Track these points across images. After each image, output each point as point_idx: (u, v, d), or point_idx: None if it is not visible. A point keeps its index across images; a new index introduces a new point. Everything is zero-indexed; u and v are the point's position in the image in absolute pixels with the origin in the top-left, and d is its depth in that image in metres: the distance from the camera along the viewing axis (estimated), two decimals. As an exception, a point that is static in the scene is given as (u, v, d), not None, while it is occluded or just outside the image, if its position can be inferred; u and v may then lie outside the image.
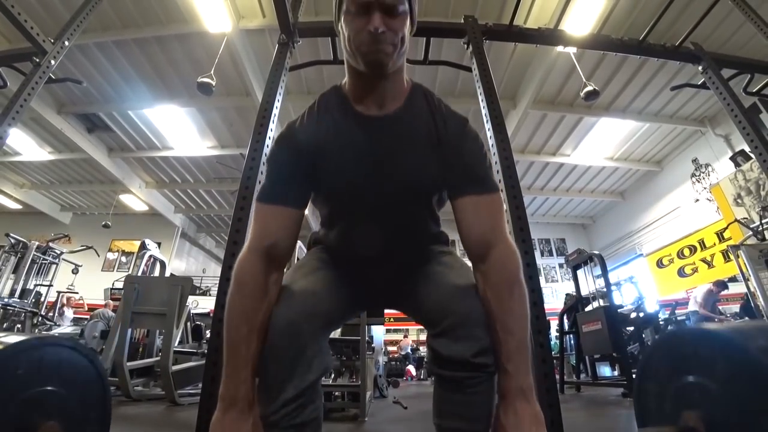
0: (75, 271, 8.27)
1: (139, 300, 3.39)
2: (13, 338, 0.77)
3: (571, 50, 6.00)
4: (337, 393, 3.29)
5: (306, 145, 0.87)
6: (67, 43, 2.45)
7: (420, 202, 0.93)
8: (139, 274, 5.79)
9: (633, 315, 5.69)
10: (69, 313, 7.48)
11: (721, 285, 6.10)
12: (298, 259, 2.80)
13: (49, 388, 0.76)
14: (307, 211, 0.96)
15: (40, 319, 6.13)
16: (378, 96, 0.88)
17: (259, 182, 1.66)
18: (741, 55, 4.41)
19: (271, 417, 0.74)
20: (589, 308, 4.89)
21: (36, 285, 6.78)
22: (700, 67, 2.85)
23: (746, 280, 5.18)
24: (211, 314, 1.47)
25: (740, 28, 5.90)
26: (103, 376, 0.90)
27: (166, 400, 3.24)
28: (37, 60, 2.30)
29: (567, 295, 5.86)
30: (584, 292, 5.23)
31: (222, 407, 0.74)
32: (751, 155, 2.49)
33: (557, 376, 4.55)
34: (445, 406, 0.82)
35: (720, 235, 8.44)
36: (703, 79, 2.87)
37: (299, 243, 1.09)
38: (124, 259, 12.91)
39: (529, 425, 0.72)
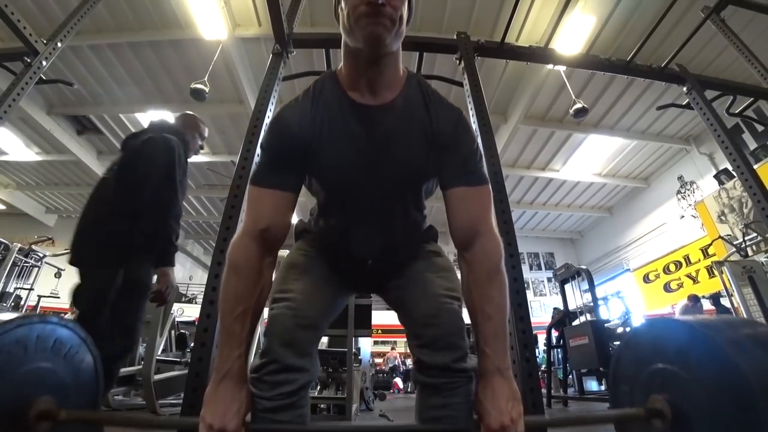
0: (58, 275, 8.07)
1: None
2: (2, 317, 0.77)
3: (561, 68, 6.14)
4: (322, 405, 3.24)
5: (299, 129, 0.87)
6: (60, 44, 2.42)
7: (410, 190, 0.95)
8: (124, 279, 5.67)
9: (620, 330, 5.72)
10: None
11: (694, 299, 6.37)
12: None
13: (42, 364, 0.77)
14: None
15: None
16: (373, 82, 0.87)
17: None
18: (724, 77, 4.56)
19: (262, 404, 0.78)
20: (576, 323, 4.91)
21: (16, 288, 6.61)
22: (684, 88, 2.92)
23: (730, 295, 5.28)
24: (196, 323, 1.44)
25: (723, 51, 6.10)
26: (93, 352, 0.91)
27: (147, 410, 3.16)
28: (29, 60, 2.27)
29: (555, 309, 5.90)
30: (572, 306, 5.26)
31: (216, 379, 0.77)
32: (734, 174, 2.57)
33: (544, 390, 4.55)
34: (425, 412, 0.85)
35: (705, 252, 8.59)
36: (687, 100, 2.95)
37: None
38: (109, 264, 12.64)
39: (506, 400, 0.76)
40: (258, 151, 1.80)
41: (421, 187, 0.96)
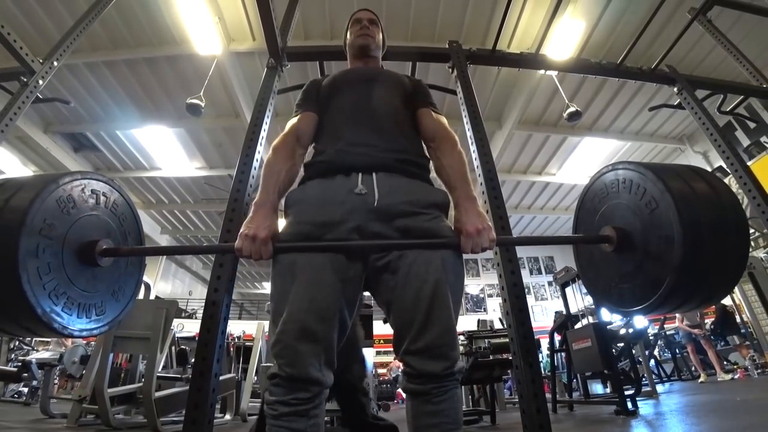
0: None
1: (122, 323, 3.27)
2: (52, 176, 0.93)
3: (553, 73, 6.21)
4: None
5: (317, 84, 1.36)
6: (56, 63, 2.44)
7: (399, 113, 1.25)
8: (123, 296, 5.64)
9: (622, 331, 5.70)
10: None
11: None
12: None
13: (97, 213, 0.99)
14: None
15: (17, 343, 5.91)
16: (365, 61, 1.45)
17: (246, 203, 1.65)
18: (714, 76, 4.62)
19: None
20: (578, 326, 4.89)
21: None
22: (675, 89, 2.95)
23: (731, 292, 5.28)
24: (197, 338, 1.43)
25: (712, 51, 6.19)
26: (126, 198, 1.11)
27: (148, 429, 3.12)
28: (25, 80, 2.28)
29: (556, 313, 5.87)
30: (573, 309, 5.24)
31: (254, 209, 1.00)
32: (729, 171, 2.58)
33: (549, 395, 4.51)
34: (418, 420, 0.89)
35: (704, 251, 8.60)
36: (678, 100, 2.98)
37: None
38: (107, 281, 12.58)
39: (476, 215, 1.00)
40: (258, 152, 1.81)
41: (404, 108, 1.27)
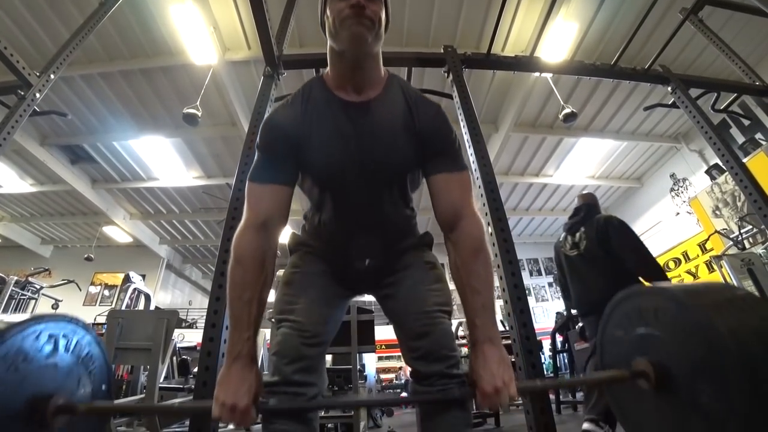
0: (55, 306, 7.95)
1: (123, 335, 3.27)
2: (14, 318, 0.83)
3: (548, 75, 6.24)
4: (330, 425, 3.19)
5: (291, 127, 0.96)
6: (52, 76, 2.45)
7: (396, 180, 1.01)
8: (123, 308, 5.63)
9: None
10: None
11: None
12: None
13: (56, 361, 0.80)
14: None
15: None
16: (357, 81, 0.97)
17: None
18: (707, 75, 4.66)
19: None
20: (580, 326, 4.88)
21: (13, 323, 6.50)
22: (669, 88, 2.98)
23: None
24: (198, 347, 1.42)
25: (704, 50, 6.23)
26: (101, 346, 0.93)
27: (150, 441, 3.09)
28: (22, 93, 2.29)
29: (557, 313, 5.87)
30: (574, 310, 5.23)
31: (228, 362, 0.84)
32: (725, 168, 2.60)
33: (552, 396, 4.50)
34: (427, 423, 0.90)
35: (702, 247, 8.61)
36: (673, 99, 3.01)
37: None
38: (106, 292, 12.52)
39: (497, 365, 0.82)
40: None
41: (406, 176, 1.01)
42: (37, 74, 2.37)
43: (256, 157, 0.99)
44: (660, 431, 0.77)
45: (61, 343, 0.81)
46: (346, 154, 0.94)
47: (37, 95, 2.34)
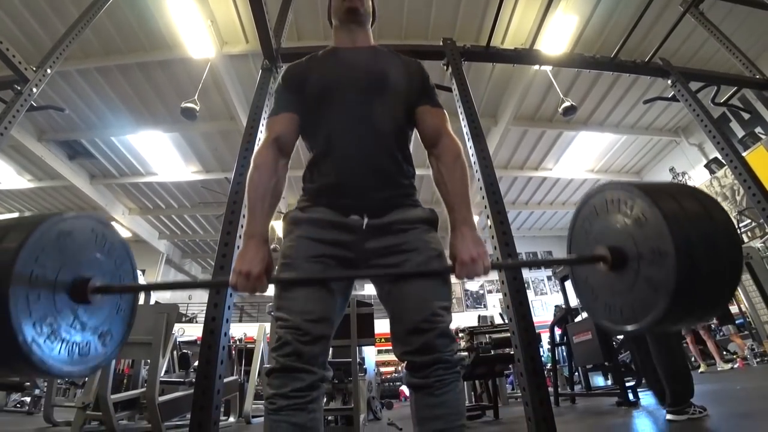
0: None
1: (124, 329, 3.29)
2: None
3: (548, 68, 6.22)
4: (330, 417, 3.21)
5: (299, 71, 1.20)
6: (49, 71, 2.43)
7: (394, 102, 1.13)
8: (123, 302, 5.63)
9: (622, 324, 5.71)
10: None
11: None
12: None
13: (91, 250, 0.95)
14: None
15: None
16: (353, 37, 1.24)
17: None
18: (707, 68, 4.64)
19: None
20: (578, 319, 4.91)
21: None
22: (669, 81, 2.97)
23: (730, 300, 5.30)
24: (199, 341, 1.43)
25: (705, 43, 6.21)
26: (128, 249, 1.07)
27: (152, 433, 3.11)
28: (19, 88, 2.28)
29: (556, 307, 5.89)
30: (573, 303, 5.26)
31: (244, 240, 0.98)
32: (724, 162, 2.60)
33: (551, 389, 4.53)
34: (421, 413, 0.94)
35: (701, 242, 8.64)
36: (672, 92, 3.00)
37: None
38: (106, 287, 12.54)
39: (472, 242, 0.97)
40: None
41: (401, 97, 1.15)
42: (34, 69, 2.35)
43: (273, 100, 1.24)
44: (612, 296, 0.94)
45: (100, 239, 0.97)
46: (343, 69, 1.16)
47: (34, 90, 2.33)
